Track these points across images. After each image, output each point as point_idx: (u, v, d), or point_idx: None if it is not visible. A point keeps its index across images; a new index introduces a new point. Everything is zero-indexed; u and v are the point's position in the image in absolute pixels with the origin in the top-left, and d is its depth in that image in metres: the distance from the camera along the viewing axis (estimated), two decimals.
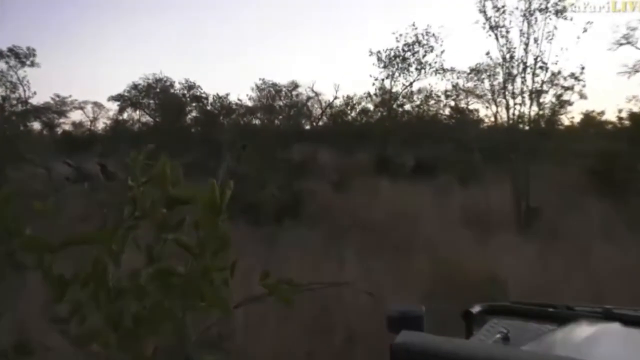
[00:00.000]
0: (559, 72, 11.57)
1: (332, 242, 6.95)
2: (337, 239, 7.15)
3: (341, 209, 9.79)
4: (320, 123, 21.98)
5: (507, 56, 10.48)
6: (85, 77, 30.93)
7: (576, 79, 12.32)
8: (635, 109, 16.41)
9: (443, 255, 6.00)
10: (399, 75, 18.51)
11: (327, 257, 6.04)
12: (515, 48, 10.36)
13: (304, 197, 10.46)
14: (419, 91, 19.10)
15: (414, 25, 17.96)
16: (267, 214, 9.24)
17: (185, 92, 19.77)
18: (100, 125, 23.05)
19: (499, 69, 11.38)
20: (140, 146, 1.05)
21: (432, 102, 19.33)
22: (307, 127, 22.15)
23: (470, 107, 18.68)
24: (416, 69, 18.31)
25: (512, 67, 10.47)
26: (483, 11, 10.40)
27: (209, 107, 19.51)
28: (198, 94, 19.65)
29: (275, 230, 8.06)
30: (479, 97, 17.01)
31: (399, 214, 8.67)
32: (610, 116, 19.21)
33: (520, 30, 10.22)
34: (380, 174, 13.60)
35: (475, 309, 1.92)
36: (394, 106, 19.16)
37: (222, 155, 11.66)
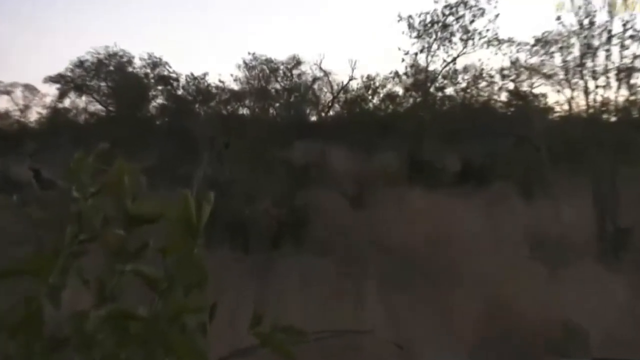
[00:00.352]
0: None
1: (348, 274, 6.94)
2: (354, 270, 7.14)
3: (359, 230, 9.78)
4: (331, 112, 22.05)
5: (586, 22, 10.47)
6: (14, 52, 31.29)
7: None
8: None
9: (499, 294, 5.98)
10: (438, 48, 18.54)
11: (341, 295, 6.03)
12: (595, 11, 10.37)
13: (309, 214, 10.47)
14: (465, 70, 19.12)
15: None
16: (259, 236, 9.26)
17: (149, 71, 19.92)
18: (34, 115, 23.26)
19: (574, 40, 11.35)
20: (88, 144, 1.05)
21: (483, 84, 19.34)
22: (314, 118, 22.22)
23: (535, 90, 18.63)
24: (461, 39, 18.34)
25: (592, 36, 10.46)
26: None
27: (180, 92, 19.64)
28: (165, 73, 19.79)
29: (271, 259, 8.07)
30: (547, 77, 16.92)
31: (439, 237, 8.64)
32: None
33: None
34: (412, 181, 13.58)
35: None
36: (432, 90, 19.18)
37: (198, 157, 11.71)
